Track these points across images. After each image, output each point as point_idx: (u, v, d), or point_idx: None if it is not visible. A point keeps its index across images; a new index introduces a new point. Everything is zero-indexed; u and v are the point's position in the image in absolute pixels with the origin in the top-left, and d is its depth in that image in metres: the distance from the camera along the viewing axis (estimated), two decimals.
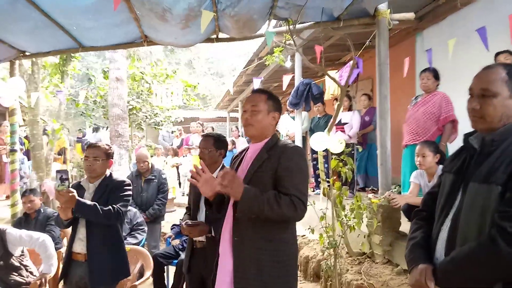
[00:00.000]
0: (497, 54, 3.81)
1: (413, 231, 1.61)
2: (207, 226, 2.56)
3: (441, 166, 3.31)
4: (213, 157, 2.74)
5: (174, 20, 3.40)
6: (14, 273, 3.16)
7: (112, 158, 2.86)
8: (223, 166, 2.79)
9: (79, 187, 2.77)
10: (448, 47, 4.40)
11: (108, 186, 2.69)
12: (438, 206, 1.52)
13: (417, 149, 3.41)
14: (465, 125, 3.91)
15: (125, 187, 2.71)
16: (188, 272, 2.70)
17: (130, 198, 2.75)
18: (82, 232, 2.64)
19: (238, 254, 1.84)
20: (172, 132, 10.76)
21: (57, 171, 2.51)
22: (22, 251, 3.33)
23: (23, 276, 3.22)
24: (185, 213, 2.90)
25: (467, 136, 1.52)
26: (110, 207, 2.54)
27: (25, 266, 3.29)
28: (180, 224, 2.71)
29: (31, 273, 3.30)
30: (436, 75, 4.02)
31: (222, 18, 3.51)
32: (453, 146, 4.03)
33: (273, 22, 3.98)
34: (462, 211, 1.38)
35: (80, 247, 2.63)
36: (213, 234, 2.56)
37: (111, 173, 2.82)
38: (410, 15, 4.09)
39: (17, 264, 3.21)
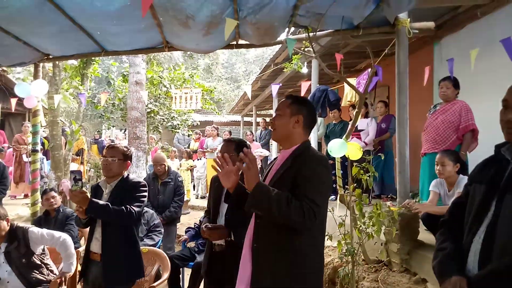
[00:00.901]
0: None
1: (441, 241, 1.59)
2: (227, 230, 2.58)
3: (461, 176, 3.30)
4: (234, 162, 2.76)
5: (196, 27, 3.47)
6: (35, 271, 3.22)
7: (130, 160, 2.90)
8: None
9: (97, 188, 2.85)
10: (467, 57, 4.40)
11: (124, 187, 2.74)
12: (469, 217, 1.50)
13: (437, 158, 3.40)
14: (484, 135, 3.90)
15: (140, 188, 2.75)
16: (206, 275, 2.73)
17: (145, 199, 2.76)
18: (98, 232, 2.70)
19: (256, 261, 1.85)
20: (189, 136, 10.86)
21: (71, 172, 2.59)
22: (43, 250, 3.40)
23: (44, 274, 3.28)
24: (205, 216, 2.93)
25: (498, 147, 1.51)
26: (122, 207, 2.58)
27: (45, 264, 3.35)
28: (200, 227, 2.74)
29: (51, 271, 3.37)
30: (455, 84, 4.00)
31: (243, 25, 3.56)
32: (473, 155, 4.00)
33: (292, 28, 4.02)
34: (499, 223, 1.36)
35: (96, 246, 2.68)
36: (232, 238, 2.58)
37: (128, 175, 2.86)
38: (430, 24, 4.08)
39: (38, 262, 3.28)
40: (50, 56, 4.54)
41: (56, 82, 6.93)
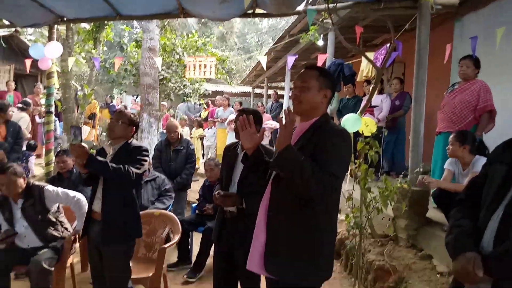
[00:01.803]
0: None
1: (457, 218, 1.59)
2: (239, 198, 2.62)
3: (478, 156, 3.28)
4: None
5: None
6: (50, 227, 3.32)
7: (136, 127, 2.92)
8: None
9: (102, 150, 2.92)
10: (489, 35, 4.27)
11: (126, 150, 2.78)
12: (487, 196, 1.51)
13: (450, 138, 3.37)
14: (500, 116, 3.84)
15: (141, 151, 2.77)
16: (217, 240, 2.79)
17: (146, 163, 2.79)
18: (100, 191, 2.76)
19: (272, 228, 1.87)
20: (200, 105, 10.85)
21: (71, 127, 2.63)
22: (58, 208, 3.49)
23: (59, 231, 3.38)
24: (217, 183, 2.97)
25: None
26: (121, 165, 2.62)
27: (60, 222, 3.45)
28: (213, 194, 2.78)
29: (66, 229, 3.47)
30: (476, 63, 3.90)
31: None
32: (487, 136, 3.96)
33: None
34: None
35: (98, 205, 2.75)
36: (244, 206, 2.62)
37: (132, 141, 2.89)
38: (454, 1, 3.96)
39: (53, 219, 3.37)
40: (65, 19, 4.51)
41: (69, 45, 6.92)
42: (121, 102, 11.72)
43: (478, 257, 1.39)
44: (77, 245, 3.53)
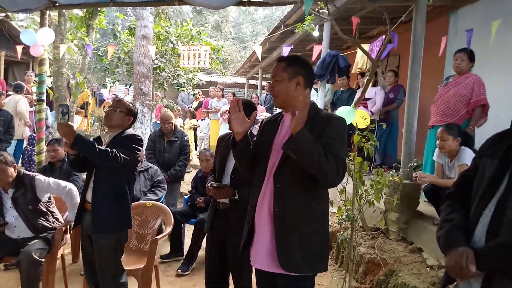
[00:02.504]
0: None
1: (448, 212, 1.58)
2: (232, 189, 2.61)
3: (463, 147, 3.29)
4: None
5: None
6: (41, 217, 3.29)
7: (133, 117, 2.88)
8: (251, 133, 2.80)
9: (98, 139, 2.88)
10: (483, 29, 4.27)
11: (120, 138, 2.74)
12: (479, 190, 1.50)
13: (438, 133, 3.37)
14: (492, 110, 3.85)
15: (134, 139, 2.74)
16: (210, 231, 2.79)
17: (138, 151, 2.75)
18: (92, 181, 2.73)
19: (280, 225, 1.85)
20: (193, 95, 10.78)
21: (59, 105, 2.59)
22: (49, 198, 3.46)
23: (49, 222, 3.35)
24: (210, 174, 2.96)
25: None
26: (108, 149, 2.58)
27: (51, 212, 3.42)
28: (206, 185, 2.77)
29: (56, 219, 3.44)
30: (471, 56, 3.90)
31: None
32: (480, 130, 3.98)
33: None
34: (510, 198, 1.36)
35: (90, 195, 2.72)
36: (237, 197, 2.61)
37: (128, 130, 2.85)
38: None
39: (44, 209, 3.34)
40: (57, 4, 4.41)
41: (62, 31, 6.80)
42: (113, 92, 11.56)
43: (471, 252, 1.39)
44: (68, 236, 3.50)
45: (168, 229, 3.43)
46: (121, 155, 2.58)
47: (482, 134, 3.92)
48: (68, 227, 3.38)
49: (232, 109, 1.90)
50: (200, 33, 9.51)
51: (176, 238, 4.25)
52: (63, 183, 3.39)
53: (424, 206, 3.73)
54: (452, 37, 5.84)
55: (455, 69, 3.99)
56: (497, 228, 1.37)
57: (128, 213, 2.79)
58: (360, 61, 6.36)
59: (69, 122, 2.58)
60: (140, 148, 2.79)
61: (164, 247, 4.38)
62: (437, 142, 3.38)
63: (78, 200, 3.40)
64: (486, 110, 3.87)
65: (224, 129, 8.11)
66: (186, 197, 4.71)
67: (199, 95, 11.10)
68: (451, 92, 3.92)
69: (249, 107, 2.77)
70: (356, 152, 3.36)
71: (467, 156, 3.17)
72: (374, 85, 6.07)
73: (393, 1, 3.85)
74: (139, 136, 2.82)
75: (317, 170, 1.72)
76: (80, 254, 3.21)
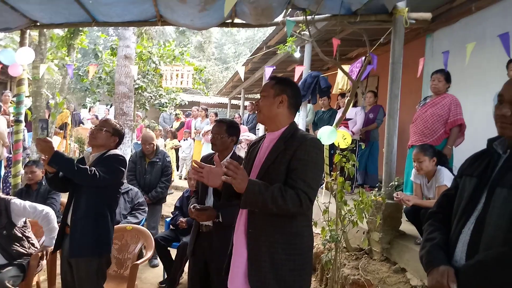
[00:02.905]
0: (510, 61, 3.81)
1: (430, 232, 1.60)
2: (215, 212, 2.58)
3: (439, 167, 3.34)
4: (224, 143, 2.75)
5: (192, 2, 3.38)
6: (16, 243, 3.17)
7: (119, 138, 2.83)
8: (234, 153, 2.80)
9: (82, 159, 2.81)
10: (459, 51, 4.42)
11: (103, 159, 2.68)
12: (458, 209, 1.52)
13: (413, 155, 3.42)
14: (468, 129, 3.94)
15: (116, 158, 2.68)
16: (192, 255, 2.73)
17: (120, 172, 2.68)
18: (73, 203, 2.65)
19: (253, 246, 1.83)
20: (176, 115, 10.74)
21: (39, 120, 2.54)
22: (25, 222, 3.34)
23: (25, 247, 3.23)
24: (193, 196, 2.92)
25: (491, 141, 1.53)
26: (87, 167, 2.53)
27: (27, 237, 3.30)
28: (188, 207, 2.72)
29: (32, 244, 3.32)
30: (447, 77, 4.02)
31: (241, 3, 3.48)
32: (457, 149, 4.07)
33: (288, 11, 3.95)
34: (488, 215, 1.39)
35: (70, 218, 2.64)
36: (220, 220, 2.57)
37: (113, 151, 2.79)
38: (427, 15, 4.07)
39: (19, 235, 3.22)
40: (38, 24, 4.37)
41: (42, 51, 6.72)
42: (90, 112, 11.39)
43: (451, 270, 1.40)
44: (44, 262, 3.37)
45: (148, 253, 3.34)
46: (101, 173, 2.51)
47: (460, 154, 4.02)
48: (45, 252, 3.25)
49: (198, 172, 1.81)
50: (183, 54, 9.54)
51: (168, 262, 4.10)
52: (40, 206, 3.28)
53: (406, 226, 3.75)
54: (429, 58, 6.02)
55: (432, 89, 4.10)
56: (476, 245, 1.39)
57: (109, 236, 2.70)
58: (341, 82, 6.48)
59: (48, 138, 2.52)
60: (123, 169, 2.72)
61: (144, 273, 4.26)
62: (414, 164, 3.43)
63: (56, 225, 3.30)
64: (463, 130, 3.96)
65: (206, 149, 8.06)
66: (167, 220, 4.61)
67: (181, 115, 11.06)
68: (429, 112, 4.01)
69: (232, 127, 2.78)
70: (338, 172, 3.37)
71: (445, 177, 3.22)
72: (355, 105, 6.17)
73: (372, 23, 3.94)
74: (122, 156, 2.75)
75: (279, 212, 1.73)
76: (57, 281, 3.09)
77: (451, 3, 5.38)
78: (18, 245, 3.18)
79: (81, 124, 10.98)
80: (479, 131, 4.07)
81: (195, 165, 1.83)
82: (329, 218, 3.36)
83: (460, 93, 4.18)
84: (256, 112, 2.01)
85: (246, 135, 8.13)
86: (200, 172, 1.80)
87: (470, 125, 4.02)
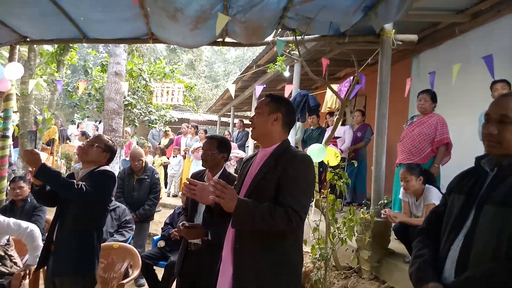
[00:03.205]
0: (494, 82, 3.92)
1: (419, 248, 1.61)
2: (204, 229, 2.55)
3: (427, 186, 3.38)
4: (215, 160, 2.74)
5: (184, 21, 3.42)
6: None
7: (111, 154, 2.79)
8: (224, 170, 2.79)
9: (71, 175, 2.76)
10: (444, 72, 4.53)
11: (92, 175, 2.64)
12: (447, 226, 1.54)
13: (400, 174, 3.46)
14: (454, 148, 4.00)
15: (105, 174, 2.64)
16: (179, 274, 2.68)
17: (106, 187, 2.64)
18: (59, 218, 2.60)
19: (238, 262, 1.81)
20: (166, 131, 10.69)
21: (29, 132, 2.52)
22: (8, 240, 3.26)
23: (7, 266, 3.14)
24: (182, 214, 2.89)
25: (478, 159, 1.56)
26: (74, 181, 2.49)
27: (9, 256, 3.21)
28: (177, 224, 2.69)
29: (15, 263, 3.23)
30: (433, 97, 4.10)
31: (232, 23, 3.53)
32: (444, 168, 4.12)
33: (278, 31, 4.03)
34: (476, 232, 1.40)
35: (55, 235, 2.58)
36: (209, 237, 2.54)
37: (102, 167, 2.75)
38: (413, 37, 4.18)
39: (1, 253, 3.14)
40: (28, 39, 4.36)
41: (31, 67, 6.68)
42: (81, 129, 11.26)
43: (440, 287, 1.41)
44: (26, 281, 3.27)
45: (135, 273, 3.27)
46: (88, 188, 2.47)
47: (447, 172, 4.07)
48: (28, 272, 3.16)
49: (190, 190, 1.84)
50: (174, 71, 9.59)
51: (153, 281, 4.00)
52: (24, 223, 3.21)
53: (395, 244, 3.75)
54: (415, 79, 6.14)
55: (419, 109, 4.17)
56: (465, 262, 1.40)
57: (94, 255, 2.61)
58: (329, 100, 6.56)
59: (36, 150, 2.48)
60: (111, 185, 2.68)
61: None
62: (401, 183, 3.46)
63: (40, 243, 3.22)
64: (450, 149, 4.03)
65: (194, 166, 8.02)
66: (155, 238, 4.54)
67: (170, 132, 11.01)
68: (416, 131, 4.08)
69: (223, 144, 2.78)
70: (329, 190, 3.38)
71: (434, 195, 3.25)
72: (343, 124, 6.25)
73: (360, 44, 4.04)
74: (112, 173, 2.71)
75: (269, 230, 1.73)
76: None
77: (436, 26, 5.55)
78: (0, 264, 3.08)
79: (67, 141, 10.83)
80: (465, 150, 4.13)
81: (188, 182, 1.82)
82: (319, 236, 3.35)
83: (446, 113, 4.26)
84: (251, 128, 2.01)
85: (235, 153, 8.15)
86: (192, 190, 1.80)
87: (456, 144, 4.09)
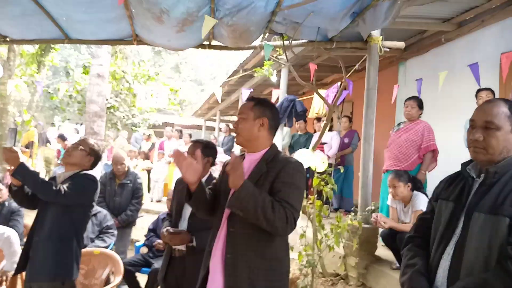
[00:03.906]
0: (479, 90, 3.96)
1: (410, 257, 1.59)
2: (189, 235, 2.48)
3: (416, 192, 3.38)
4: (201, 164, 2.66)
5: (170, 23, 3.35)
6: None
7: (95, 158, 2.72)
8: (210, 175, 2.73)
9: (53, 178, 2.68)
10: (430, 79, 4.58)
11: (74, 178, 2.56)
12: (436, 233, 1.52)
13: (388, 181, 3.46)
14: (443, 155, 4.02)
15: (86, 178, 2.58)
16: (163, 281, 2.59)
17: (86, 191, 2.57)
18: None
19: (230, 271, 1.74)
20: (149, 136, 10.54)
21: (9, 129, 2.44)
22: None
23: None
24: (166, 219, 2.81)
25: (464, 165, 1.55)
26: (53, 182, 2.44)
27: None
28: (161, 231, 2.61)
29: None
30: (420, 104, 4.13)
31: (219, 26, 3.48)
32: (430, 174, 4.14)
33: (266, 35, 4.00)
34: (467, 240, 1.39)
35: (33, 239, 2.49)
36: (194, 244, 2.47)
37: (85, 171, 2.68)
38: (401, 44, 4.21)
39: None
40: (8, 39, 4.22)
41: (10, 67, 6.51)
42: (59, 130, 10.98)
43: None
44: (4, 287, 3.14)
45: (117, 279, 3.17)
46: (66, 190, 2.40)
47: (433, 179, 4.08)
48: (4, 278, 3.03)
49: (179, 158, 1.77)
50: (158, 74, 9.48)
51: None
52: (1, 229, 3.12)
53: (382, 251, 3.74)
54: (402, 85, 6.20)
55: (406, 116, 4.19)
56: (457, 271, 1.39)
57: (73, 260, 2.51)
58: (317, 106, 6.56)
59: (15, 148, 2.39)
60: (92, 189, 2.60)
61: None
62: (389, 190, 3.45)
63: (18, 248, 3.11)
64: (436, 155, 4.05)
65: (178, 171, 7.90)
66: (137, 244, 4.42)
67: (152, 136, 10.84)
68: (402, 138, 4.09)
69: (208, 148, 2.72)
70: (316, 196, 3.35)
71: (422, 202, 3.26)
72: (330, 130, 6.25)
73: (347, 50, 4.04)
74: (93, 177, 2.63)
75: (264, 224, 1.66)
76: None
77: (422, 34, 5.62)
78: None
79: (47, 144, 10.57)
80: (451, 156, 4.16)
81: (178, 152, 1.77)
82: (306, 243, 3.30)
83: (432, 120, 4.29)
84: (235, 134, 1.93)
85: (221, 158, 8.06)
86: (180, 161, 1.74)
87: (442, 150, 4.11)
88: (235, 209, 1.69)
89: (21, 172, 2.33)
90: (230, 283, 1.73)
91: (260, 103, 1.93)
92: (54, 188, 2.37)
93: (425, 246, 1.58)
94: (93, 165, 2.72)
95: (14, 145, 2.37)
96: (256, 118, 1.88)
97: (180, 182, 2.74)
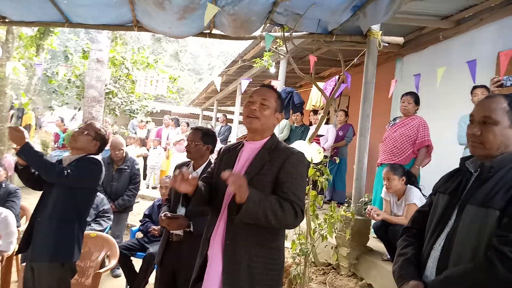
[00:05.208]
0: (474, 88, 4.00)
1: (403, 247, 1.64)
2: (187, 221, 2.52)
3: (409, 186, 3.44)
4: (199, 151, 2.71)
5: (171, 10, 3.35)
6: None
7: (101, 143, 2.74)
8: (210, 162, 2.77)
9: (60, 161, 2.69)
10: (427, 76, 4.62)
11: (77, 161, 2.60)
12: (431, 225, 1.57)
13: (384, 173, 3.51)
14: (437, 151, 4.07)
15: (90, 161, 2.61)
16: (159, 265, 2.65)
17: (89, 173, 2.60)
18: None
19: (229, 258, 1.75)
20: (146, 122, 10.54)
21: (17, 109, 2.47)
22: None
23: None
24: (165, 204, 2.85)
25: (463, 160, 1.58)
26: (56, 163, 2.48)
27: None
28: (159, 215, 2.65)
29: None
30: (416, 99, 4.17)
31: (220, 15, 3.49)
32: (424, 169, 4.21)
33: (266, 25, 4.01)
34: (457, 232, 1.43)
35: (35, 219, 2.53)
36: (191, 229, 2.52)
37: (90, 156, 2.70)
38: (400, 39, 4.25)
39: None
40: (6, 20, 4.20)
41: (9, 49, 6.47)
42: (58, 116, 10.94)
43: (421, 285, 1.45)
44: None
45: (112, 262, 3.22)
46: (69, 172, 2.44)
47: (427, 174, 4.16)
48: (0, 258, 3.07)
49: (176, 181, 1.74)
50: (157, 61, 9.45)
51: (131, 272, 3.94)
52: None
53: (374, 242, 3.81)
54: (398, 81, 6.24)
55: (402, 111, 4.24)
56: (446, 261, 1.44)
57: (74, 243, 2.55)
58: (314, 98, 6.59)
59: (21, 127, 2.43)
60: (95, 173, 2.63)
61: (105, 283, 4.09)
62: (384, 182, 3.51)
63: (14, 229, 3.15)
64: (430, 151, 4.11)
65: (175, 158, 7.94)
66: (133, 229, 4.47)
67: (150, 122, 10.82)
68: (398, 133, 4.14)
69: (208, 135, 2.76)
70: (311, 186, 3.40)
71: (415, 196, 3.31)
72: (327, 122, 6.29)
73: (347, 44, 4.06)
74: (98, 161, 2.66)
75: (276, 224, 1.69)
76: None
77: (420, 30, 5.65)
78: None
79: (42, 127, 10.55)
80: (445, 152, 4.24)
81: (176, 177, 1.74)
82: (300, 232, 3.36)
83: (428, 116, 4.35)
84: (249, 116, 1.86)
85: (217, 147, 8.09)
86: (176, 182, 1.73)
87: (436, 146, 4.17)
88: (245, 220, 1.67)
89: (25, 151, 2.37)
90: (229, 269, 1.74)
91: (281, 98, 1.98)
92: (56, 169, 2.40)
93: (419, 238, 1.62)
94: (99, 150, 2.74)
95: (20, 125, 2.39)
96: (276, 111, 1.91)
97: (179, 168, 2.78)
